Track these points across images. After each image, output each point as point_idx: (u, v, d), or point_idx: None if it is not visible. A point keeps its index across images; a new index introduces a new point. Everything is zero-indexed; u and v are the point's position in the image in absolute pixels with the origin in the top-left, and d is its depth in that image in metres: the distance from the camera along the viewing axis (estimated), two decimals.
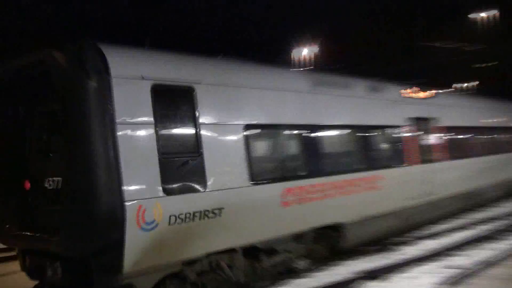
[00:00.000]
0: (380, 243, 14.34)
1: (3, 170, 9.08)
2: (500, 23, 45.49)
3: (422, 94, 16.20)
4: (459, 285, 7.86)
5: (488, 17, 46.06)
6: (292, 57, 44.46)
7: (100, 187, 7.37)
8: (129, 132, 7.76)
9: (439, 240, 14.97)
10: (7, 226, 8.94)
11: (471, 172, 18.02)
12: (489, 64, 53.06)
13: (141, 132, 7.92)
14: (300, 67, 40.32)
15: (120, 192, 7.46)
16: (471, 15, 46.34)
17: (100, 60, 7.68)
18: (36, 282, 9.14)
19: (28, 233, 8.63)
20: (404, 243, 14.52)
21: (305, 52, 44.08)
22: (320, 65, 40.43)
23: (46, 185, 8.61)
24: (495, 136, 20.66)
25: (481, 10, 45.66)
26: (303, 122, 11.07)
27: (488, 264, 9.41)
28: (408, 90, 15.66)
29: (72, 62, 7.54)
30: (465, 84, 61.66)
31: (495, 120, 21.21)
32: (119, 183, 7.46)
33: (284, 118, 10.69)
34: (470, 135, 18.56)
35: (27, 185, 9.00)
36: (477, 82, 60.89)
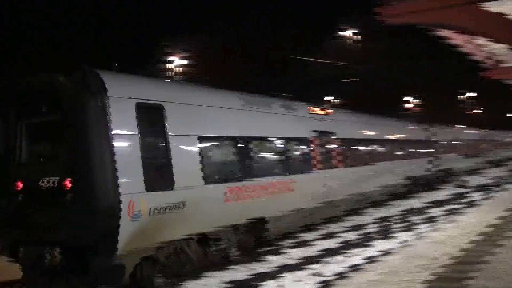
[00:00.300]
0: (250, 253, 14.35)
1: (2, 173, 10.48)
2: (361, 43, 48.24)
3: (323, 112, 18.67)
4: None
5: (353, 37, 48.57)
6: (166, 66, 44.01)
7: (103, 186, 9.18)
8: (121, 140, 9.68)
9: (307, 248, 15.24)
10: (4, 220, 10.22)
11: (362, 178, 20.89)
12: (353, 80, 56.07)
13: (129, 141, 9.86)
14: (172, 77, 40.96)
15: (117, 190, 9.28)
16: (341, 32, 48.59)
17: (100, 84, 9.58)
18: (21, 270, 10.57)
19: (27, 225, 9.90)
20: (274, 252, 14.65)
21: (177, 62, 43.90)
22: (190, 76, 40.65)
23: (41, 184, 9.91)
24: (381, 147, 24.07)
25: (349, 29, 48.08)
26: (238, 134, 13.34)
27: (354, 270, 9.57)
28: (313, 108, 18.02)
29: (78, 86, 9.43)
30: (332, 98, 64.67)
31: (380, 133, 24.54)
32: (116, 182, 9.28)
33: (225, 131, 13.00)
34: (360, 147, 21.56)
35: (19, 185, 10.28)
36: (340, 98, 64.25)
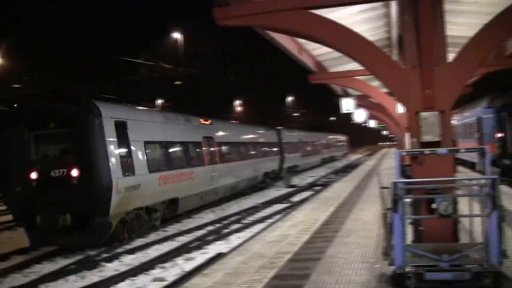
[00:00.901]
0: (79, 262, 13.52)
1: (20, 168, 15.15)
2: (184, 47, 48.44)
3: (207, 122, 24.96)
4: None
5: (177, 40, 48.48)
6: None
7: (103, 172, 14.68)
8: (110, 144, 15.12)
9: (142, 253, 14.77)
10: (31, 202, 14.91)
11: (234, 171, 27.04)
12: (179, 83, 56.21)
13: (113, 144, 15.33)
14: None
15: (110, 175, 14.75)
16: (173, 35, 48.24)
17: (97, 110, 15.10)
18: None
19: (43, 201, 14.78)
20: (109, 259, 13.94)
21: None
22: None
23: (53, 173, 14.91)
24: (246, 147, 30.72)
25: (181, 31, 47.89)
26: (163, 139, 19.37)
27: (195, 274, 9.32)
28: (202, 120, 24.41)
29: (87, 111, 15.03)
30: (160, 101, 64.14)
31: (244, 137, 31.60)
32: (109, 171, 14.77)
33: (156, 137, 18.86)
34: (231, 147, 27.64)
35: (34, 175, 15.02)
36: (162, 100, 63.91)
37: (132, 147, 16.46)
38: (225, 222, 19.70)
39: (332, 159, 67.83)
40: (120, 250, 15.20)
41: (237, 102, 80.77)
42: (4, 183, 15.74)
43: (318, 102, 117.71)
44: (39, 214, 14.81)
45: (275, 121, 66.03)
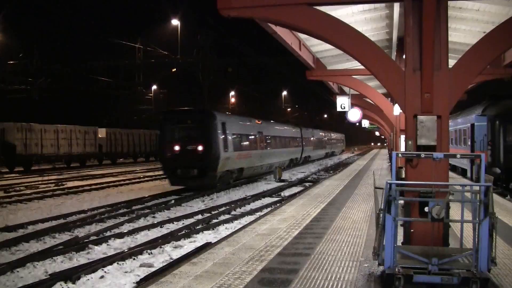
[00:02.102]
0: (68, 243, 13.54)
1: (170, 144, 26.98)
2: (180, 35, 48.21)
3: (259, 122, 37.03)
4: (155, 283, 7.56)
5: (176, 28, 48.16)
6: None
7: (215, 149, 26.74)
8: (219, 134, 27.80)
9: (130, 238, 14.79)
10: (175, 163, 26.47)
11: (273, 155, 38.90)
12: (173, 70, 55.98)
13: (220, 134, 28.19)
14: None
15: (218, 150, 27.12)
16: (172, 24, 47.94)
17: (215, 116, 28.11)
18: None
19: (182, 162, 26.29)
20: (96, 242, 13.97)
21: None
22: None
23: (188, 148, 26.70)
24: (282, 140, 42.74)
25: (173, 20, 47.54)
26: (240, 132, 32.03)
27: (184, 261, 9.36)
28: (256, 120, 36.56)
29: (212, 116, 27.72)
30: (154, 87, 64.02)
31: (282, 132, 44.29)
32: (218, 148, 27.29)
33: (238, 131, 31.76)
34: (274, 139, 39.99)
35: (177, 148, 26.71)
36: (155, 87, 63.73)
37: (228, 136, 28.23)
38: (215, 212, 19.75)
39: (332, 154, 79.87)
40: (108, 234, 15.23)
41: (231, 93, 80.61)
42: (160, 152, 28.23)
43: (313, 99, 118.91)
44: (179, 169, 26.26)
45: (266, 114, 66.40)
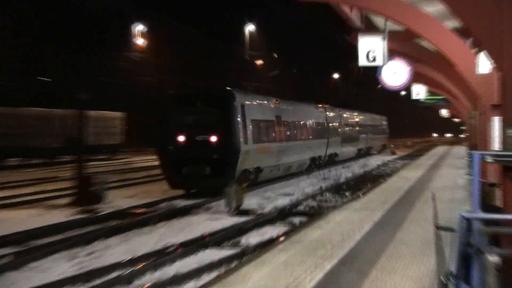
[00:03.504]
0: None
1: (169, 136, 21.13)
2: None
3: (277, 101, 27.67)
4: None
5: None
6: None
7: (235, 140, 20.97)
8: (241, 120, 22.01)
9: None
10: (180, 158, 20.84)
11: (294, 151, 28.80)
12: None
13: (240, 120, 22.01)
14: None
15: (240, 143, 21.01)
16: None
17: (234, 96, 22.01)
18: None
19: (194, 159, 20.68)
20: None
21: None
22: None
23: (198, 138, 20.80)
24: (303, 127, 31.71)
25: None
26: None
27: None
28: (275, 100, 27.40)
29: (228, 98, 21.53)
30: None
31: (302, 115, 32.03)
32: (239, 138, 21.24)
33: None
34: (296, 127, 29.82)
35: (183, 139, 20.91)
36: None
37: (247, 123, 22.31)
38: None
39: (367, 152, 47.86)
40: None
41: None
42: (160, 144, 22.21)
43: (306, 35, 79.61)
44: (186, 165, 21.42)
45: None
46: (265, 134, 24.47)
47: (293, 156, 27.91)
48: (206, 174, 20.33)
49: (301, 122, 30.74)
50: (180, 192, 20.91)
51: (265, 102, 25.93)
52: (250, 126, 22.25)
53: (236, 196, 17.06)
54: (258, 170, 23.34)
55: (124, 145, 50.17)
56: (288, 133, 27.73)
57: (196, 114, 21.16)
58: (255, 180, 23.01)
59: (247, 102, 22.58)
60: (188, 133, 20.84)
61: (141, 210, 17.45)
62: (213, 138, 20.52)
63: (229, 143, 20.71)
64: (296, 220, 15.81)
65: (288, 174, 27.14)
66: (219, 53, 56.85)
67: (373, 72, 16.23)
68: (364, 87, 74.18)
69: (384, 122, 58.10)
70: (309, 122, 32.42)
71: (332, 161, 35.39)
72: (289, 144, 27.34)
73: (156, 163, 23.51)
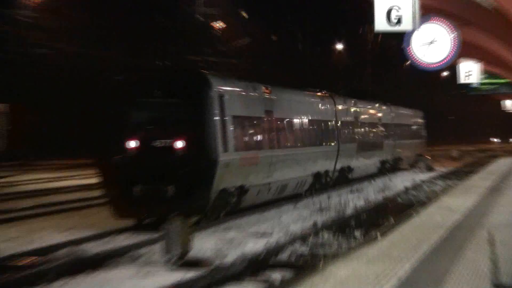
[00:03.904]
0: None
1: (114, 141, 14.54)
2: None
3: (267, 89, 20.07)
4: None
5: None
6: None
7: (209, 147, 14.53)
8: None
9: None
10: (131, 173, 14.52)
11: (292, 164, 21.25)
12: None
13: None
14: None
15: (217, 151, 14.57)
16: None
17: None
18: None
19: (150, 175, 14.40)
20: None
21: None
22: None
23: (157, 144, 14.55)
24: (304, 128, 23.81)
25: None
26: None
27: None
28: (264, 87, 19.50)
29: (200, 86, 14.83)
30: None
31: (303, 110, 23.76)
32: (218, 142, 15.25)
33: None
34: (294, 128, 22.34)
35: (134, 145, 14.52)
36: None
37: (227, 122, 16.95)
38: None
39: (395, 166, 32.87)
40: None
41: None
42: (101, 153, 17.16)
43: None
44: (138, 184, 16.83)
45: None
46: (252, 138, 17.29)
47: (291, 170, 19.56)
48: (167, 196, 13.88)
49: (301, 121, 21.41)
50: (89, 230, 13.78)
51: (252, 91, 17.79)
52: (232, 127, 15.40)
53: (181, 237, 10.36)
54: (242, 190, 16.11)
55: (4, 155, 35.11)
56: (284, 136, 19.58)
57: (153, 109, 14.83)
58: (237, 205, 16.08)
59: (228, 91, 15.70)
60: (141, 137, 14.43)
61: (28, 261, 10.82)
62: (179, 144, 14.08)
63: (201, 150, 14.19)
64: (276, 276, 9.62)
65: (278, 198, 18.97)
66: (153, 11, 41.22)
67: (397, 40, 11.04)
68: (385, 66, 50.76)
69: (420, 120, 39.21)
70: (312, 119, 22.33)
71: (344, 178, 24.70)
72: (285, 153, 19.16)
73: (58, 184, 16.79)
